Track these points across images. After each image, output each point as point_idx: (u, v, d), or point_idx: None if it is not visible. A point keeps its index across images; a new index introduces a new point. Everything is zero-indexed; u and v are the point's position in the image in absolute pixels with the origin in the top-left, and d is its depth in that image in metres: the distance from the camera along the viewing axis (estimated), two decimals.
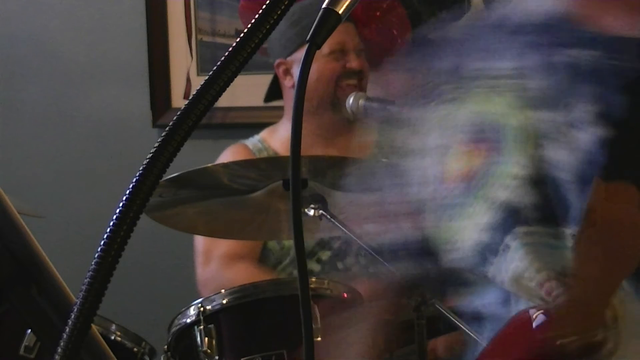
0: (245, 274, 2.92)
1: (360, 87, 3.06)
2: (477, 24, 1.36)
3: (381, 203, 1.43)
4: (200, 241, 3.06)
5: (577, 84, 1.24)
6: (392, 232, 1.42)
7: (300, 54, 3.04)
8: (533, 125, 1.26)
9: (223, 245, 3.01)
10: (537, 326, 1.18)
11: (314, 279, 2.47)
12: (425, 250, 1.39)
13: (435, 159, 1.32)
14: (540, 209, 1.24)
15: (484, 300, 1.33)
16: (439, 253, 1.36)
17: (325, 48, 3.02)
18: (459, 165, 1.30)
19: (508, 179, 1.26)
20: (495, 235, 1.26)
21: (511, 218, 1.25)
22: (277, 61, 3.08)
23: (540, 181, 1.24)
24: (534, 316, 1.18)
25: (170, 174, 2.26)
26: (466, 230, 1.29)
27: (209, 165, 2.53)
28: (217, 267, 3.03)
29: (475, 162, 1.29)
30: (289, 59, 3.07)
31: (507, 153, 1.27)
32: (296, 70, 3.07)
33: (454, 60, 1.34)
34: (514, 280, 1.25)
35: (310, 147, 2.86)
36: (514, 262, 1.24)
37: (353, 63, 3.02)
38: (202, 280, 3.05)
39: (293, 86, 3.11)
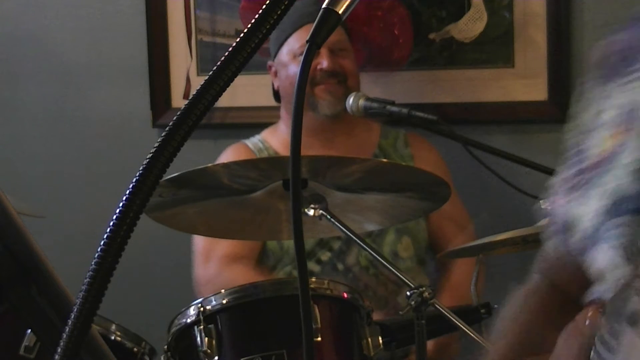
0: (243, 275, 2.92)
1: (346, 87, 3.05)
2: None
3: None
4: (199, 241, 3.06)
5: None
6: (560, 206, 1.40)
7: (281, 56, 3.06)
8: None
9: (222, 246, 3.02)
10: (589, 322, 1.17)
11: (314, 279, 2.47)
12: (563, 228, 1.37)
13: (596, 140, 1.30)
14: None
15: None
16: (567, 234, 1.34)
17: (298, 50, 3.03)
18: (604, 147, 1.27)
19: (626, 165, 1.23)
20: (602, 224, 1.24)
21: (617, 208, 1.23)
22: (267, 63, 3.13)
23: None
24: (589, 311, 1.17)
25: (170, 174, 2.26)
26: (584, 215, 1.27)
27: (209, 165, 2.53)
28: (216, 267, 3.03)
29: (611, 145, 1.26)
30: (275, 61, 3.10)
31: (634, 138, 1.24)
32: (281, 72, 3.09)
33: None
34: (600, 273, 1.24)
35: (307, 148, 2.87)
36: (605, 254, 1.23)
37: (324, 64, 3.01)
38: (201, 280, 3.05)
39: (278, 88, 3.13)
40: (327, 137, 3.10)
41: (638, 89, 1.27)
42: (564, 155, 1.42)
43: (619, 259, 1.21)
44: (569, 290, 1.45)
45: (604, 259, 1.23)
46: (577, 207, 1.30)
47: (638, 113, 1.26)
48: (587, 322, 1.17)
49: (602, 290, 1.26)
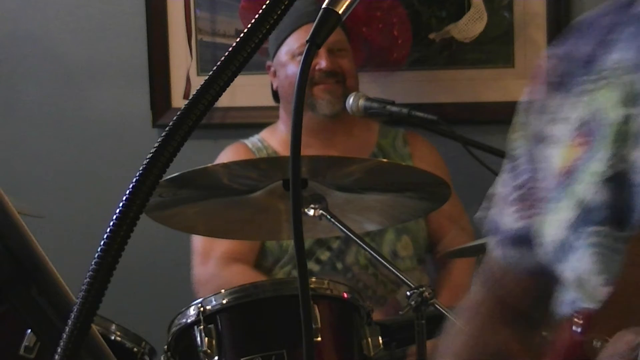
0: (242, 275, 2.92)
1: (345, 87, 3.05)
2: (618, 10, 1.32)
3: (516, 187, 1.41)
4: (197, 241, 3.06)
5: None
6: (508, 217, 1.41)
7: (280, 56, 3.07)
8: (629, 123, 1.23)
9: (221, 246, 3.02)
10: (575, 330, 1.17)
11: (314, 279, 2.47)
12: (525, 240, 1.38)
13: (555, 151, 1.31)
14: (612, 211, 1.22)
15: (557, 301, 1.32)
16: (534, 246, 1.34)
17: (297, 50, 3.03)
18: (567, 159, 1.28)
19: (592, 175, 1.24)
20: (573, 233, 1.24)
21: (588, 217, 1.23)
22: (266, 64, 3.13)
23: (619, 182, 1.21)
24: (575, 319, 1.17)
25: (170, 174, 2.26)
26: (551, 226, 1.28)
27: (209, 165, 2.53)
28: (214, 267, 3.03)
29: (577, 156, 1.27)
30: (274, 61, 3.10)
31: (598, 149, 1.24)
32: (280, 72, 3.09)
33: (594, 49, 1.31)
34: (578, 282, 1.24)
35: (306, 147, 2.87)
36: (581, 263, 1.23)
37: (323, 64, 3.01)
38: (199, 280, 3.05)
39: (277, 88, 3.13)
40: (326, 136, 3.10)
41: (592, 101, 1.28)
42: (507, 163, 1.43)
43: (596, 266, 1.22)
44: (518, 305, 1.45)
45: (580, 267, 1.24)
46: (539, 219, 1.31)
47: (595, 125, 1.26)
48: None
49: (578, 299, 1.26)
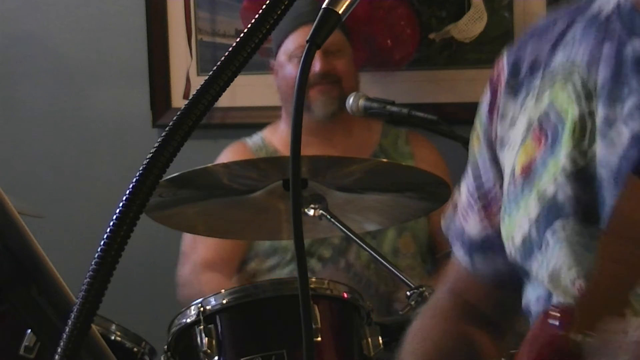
0: (213, 284, 2.91)
1: (341, 88, 3.04)
2: (573, 11, 1.33)
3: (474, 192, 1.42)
4: (184, 241, 3.08)
5: (635, 76, 1.22)
6: (473, 224, 1.42)
7: (279, 56, 3.07)
8: (589, 118, 1.24)
9: (200, 251, 3.03)
10: (553, 324, 1.17)
11: (314, 279, 2.47)
12: (491, 247, 1.39)
13: (513, 153, 1.32)
14: (578, 205, 1.22)
15: (528, 299, 1.32)
16: (499, 252, 1.36)
17: (294, 52, 3.01)
18: (525, 158, 1.29)
19: (557, 172, 1.24)
20: (540, 230, 1.25)
21: (553, 212, 1.24)
22: (270, 62, 3.13)
23: (582, 176, 1.22)
24: (552, 314, 1.18)
25: (170, 174, 2.26)
26: (519, 225, 1.29)
27: (209, 165, 2.52)
28: (189, 273, 3.06)
29: (535, 154, 1.28)
30: (275, 60, 3.10)
31: (560, 145, 1.25)
32: (279, 73, 3.09)
33: (548, 51, 1.32)
34: (551, 278, 1.24)
35: (306, 147, 2.86)
36: (552, 258, 1.24)
37: (317, 66, 3.01)
38: (179, 279, 3.08)
39: (278, 88, 3.13)
40: (326, 136, 3.10)
41: (545, 100, 1.30)
42: (468, 169, 1.44)
43: (567, 261, 1.22)
44: (485, 312, 1.46)
45: (551, 263, 1.24)
46: (504, 220, 1.32)
47: (550, 122, 1.27)
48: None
49: (550, 294, 1.26)
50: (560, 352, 1.15)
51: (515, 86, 1.35)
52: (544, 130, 1.28)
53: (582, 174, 1.22)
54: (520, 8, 3.36)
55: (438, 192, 2.51)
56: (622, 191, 1.17)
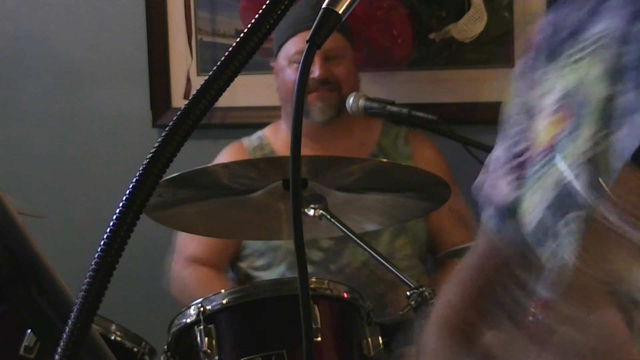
0: (201, 278, 2.97)
1: (340, 94, 3.04)
2: None
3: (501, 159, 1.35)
4: (178, 237, 3.09)
5: None
6: (503, 187, 1.33)
7: (279, 59, 3.07)
8: (613, 101, 1.16)
9: (190, 248, 3.06)
10: (540, 312, 1.16)
11: (314, 279, 2.47)
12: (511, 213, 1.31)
13: (541, 124, 1.25)
14: (594, 195, 1.15)
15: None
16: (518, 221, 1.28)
17: (293, 57, 3.01)
18: (548, 134, 1.23)
19: (573, 154, 1.18)
20: (555, 217, 1.19)
21: (564, 199, 1.18)
22: (270, 63, 3.13)
23: (595, 164, 1.16)
24: (539, 302, 1.16)
25: (170, 174, 2.26)
26: (531, 205, 1.23)
27: (209, 165, 2.53)
28: (179, 267, 3.09)
29: (554, 132, 1.21)
30: (276, 62, 3.10)
31: (580, 126, 1.19)
32: (278, 75, 3.09)
33: (585, 18, 1.23)
34: (560, 269, 1.21)
35: (306, 149, 2.87)
36: (563, 248, 1.20)
37: (316, 72, 3.01)
38: (171, 274, 3.10)
39: (278, 89, 3.13)
40: (325, 139, 3.09)
41: (575, 73, 1.22)
42: (504, 130, 1.39)
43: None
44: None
45: (562, 255, 1.21)
46: (521, 197, 1.26)
47: (578, 99, 1.21)
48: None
49: (555, 285, 1.23)
50: (544, 339, 1.14)
51: (549, 52, 1.27)
52: (571, 107, 1.21)
53: (597, 162, 1.16)
54: (520, 8, 3.36)
55: (438, 192, 2.51)
56: (618, 180, 1.14)
